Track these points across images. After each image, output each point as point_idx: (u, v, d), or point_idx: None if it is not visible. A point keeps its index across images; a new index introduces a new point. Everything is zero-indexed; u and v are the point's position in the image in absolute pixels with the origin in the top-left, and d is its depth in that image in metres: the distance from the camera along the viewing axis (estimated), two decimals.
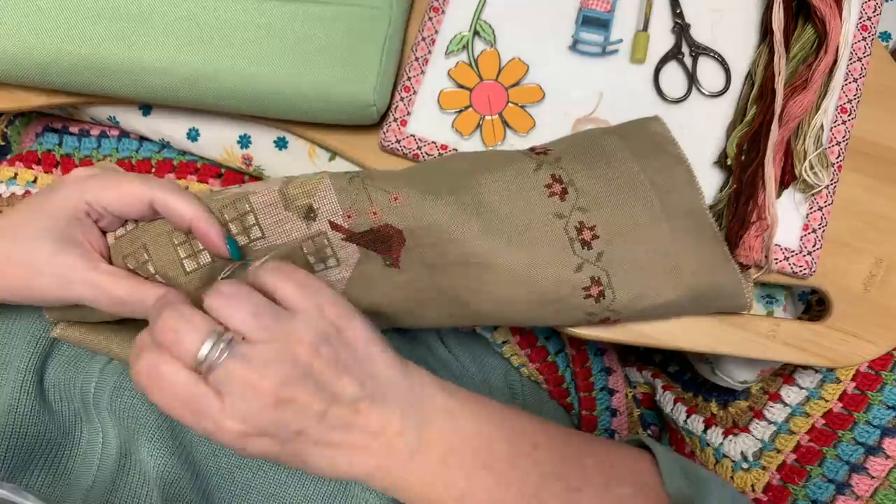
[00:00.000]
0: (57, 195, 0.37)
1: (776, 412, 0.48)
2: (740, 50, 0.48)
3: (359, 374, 0.33)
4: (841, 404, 0.46)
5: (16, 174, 0.54)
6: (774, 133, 0.44)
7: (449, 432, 0.34)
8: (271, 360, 0.31)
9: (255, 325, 0.31)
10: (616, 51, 0.48)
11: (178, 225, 0.37)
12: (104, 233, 0.39)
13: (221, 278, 0.38)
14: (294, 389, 0.31)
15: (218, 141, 0.51)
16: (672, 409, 0.55)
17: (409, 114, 0.47)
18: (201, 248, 0.38)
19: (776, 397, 0.49)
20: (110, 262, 0.38)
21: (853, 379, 0.46)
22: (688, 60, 0.48)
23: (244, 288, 0.33)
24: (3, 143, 0.61)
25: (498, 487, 0.34)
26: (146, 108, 0.51)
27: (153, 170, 0.53)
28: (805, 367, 0.48)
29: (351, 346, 0.33)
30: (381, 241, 0.40)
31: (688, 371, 0.58)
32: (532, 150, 0.43)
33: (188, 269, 0.38)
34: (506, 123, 0.47)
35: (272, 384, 0.30)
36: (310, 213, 0.39)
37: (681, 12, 0.49)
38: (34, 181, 0.54)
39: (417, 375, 0.35)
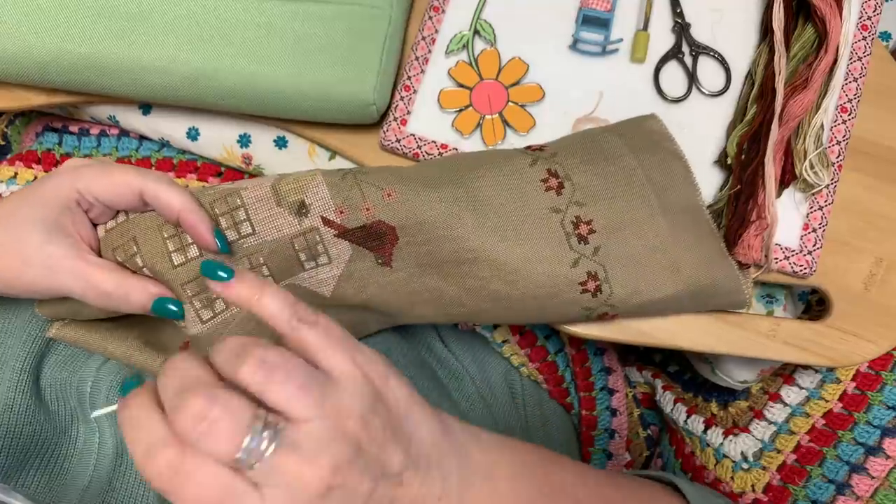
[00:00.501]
0: (48, 184, 0.37)
1: (776, 412, 0.48)
2: (740, 49, 0.48)
3: (403, 441, 0.29)
4: (841, 404, 0.46)
5: (16, 173, 0.54)
6: (774, 132, 0.44)
7: (487, 493, 0.31)
8: (323, 444, 0.26)
9: (304, 402, 0.26)
10: (616, 50, 0.48)
11: (167, 216, 0.37)
12: (95, 225, 0.39)
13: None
14: (345, 475, 0.26)
15: (218, 140, 0.51)
16: (672, 409, 0.55)
17: (409, 113, 0.47)
18: (190, 241, 0.38)
19: (776, 397, 0.49)
20: (100, 255, 0.38)
21: (853, 379, 0.46)
22: (688, 60, 0.48)
23: (287, 354, 0.27)
24: (3, 143, 0.61)
25: None
26: (146, 108, 0.51)
27: (153, 168, 0.53)
28: (805, 367, 0.48)
29: (393, 411, 0.29)
30: (374, 238, 0.40)
31: (688, 371, 0.58)
32: (528, 147, 0.43)
33: (176, 263, 0.37)
34: (506, 123, 0.47)
35: (324, 473, 0.25)
36: (301, 209, 0.39)
37: (681, 12, 0.49)
38: (34, 180, 0.54)
39: (455, 431, 0.32)
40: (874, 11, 0.48)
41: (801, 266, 0.45)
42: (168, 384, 0.26)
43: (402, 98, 0.47)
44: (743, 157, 0.45)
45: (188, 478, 0.24)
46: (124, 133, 0.54)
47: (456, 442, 0.31)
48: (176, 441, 0.25)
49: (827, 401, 0.47)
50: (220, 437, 0.25)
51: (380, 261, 0.40)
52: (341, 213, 0.39)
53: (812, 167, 0.45)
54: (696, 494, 0.38)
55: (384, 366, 0.30)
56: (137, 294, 0.37)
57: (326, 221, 0.39)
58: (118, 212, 0.39)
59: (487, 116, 0.47)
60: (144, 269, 0.38)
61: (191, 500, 0.25)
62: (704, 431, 0.51)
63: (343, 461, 0.26)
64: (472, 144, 0.47)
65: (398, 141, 0.46)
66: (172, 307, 0.37)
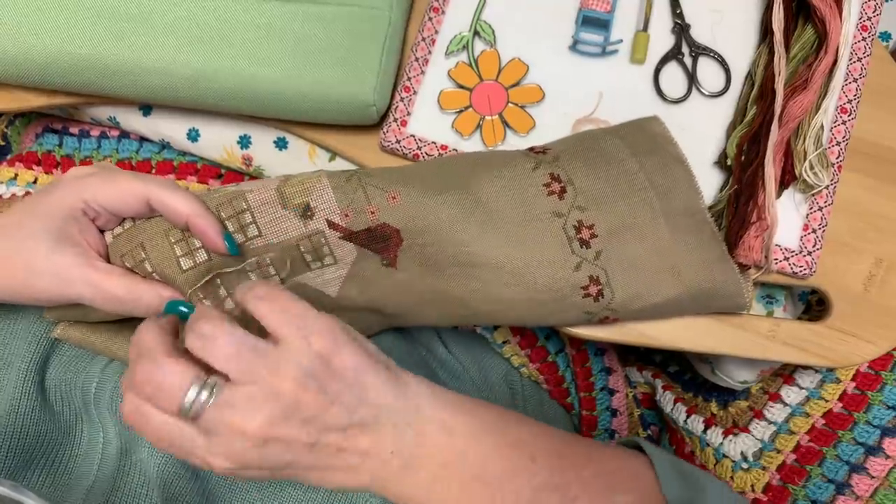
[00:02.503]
0: (54, 194, 0.37)
1: (776, 412, 0.48)
2: (740, 50, 0.48)
3: (348, 403, 0.32)
4: (841, 404, 0.46)
5: (16, 175, 0.54)
6: (774, 133, 0.44)
7: (443, 447, 0.34)
8: (255, 402, 0.31)
9: (237, 365, 0.31)
10: (616, 51, 0.48)
11: (175, 222, 0.37)
12: (102, 232, 0.39)
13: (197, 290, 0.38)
14: (279, 429, 0.31)
15: (218, 141, 0.51)
16: (672, 409, 0.55)
17: (409, 114, 0.47)
18: (198, 245, 0.38)
19: (776, 397, 0.49)
20: (108, 261, 0.38)
21: (853, 379, 0.46)
22: (688, 60, 0.48)
23: (222, 325, 0.32)
24: (3, 144, 0.61)
25: (492, 500, 0.34)
26: (146, 109, 0.51)
27: (153, 170, 0.53)
28: (805, 367, 0.48)
29: (339, 375, 0.32)
30: (379, 240, 0.40)
31: (688, 371, 0.58)
32: (531, 149, 0.43)
33: (185, 267, 0.38)
34: (506, 124, 0.47)
35: (257, 426, 0.30)
36: (307, 212, 0.39)
37: (681, 12, 0.49)
38: (34, 182, 0.54)
39: (413, 390, 0.35)
40: (874, 12, 0.48)
41: (800, 267, 0.45)
42: (132, 349, 0.33)
43: (401, 99, 0.47)
44: (743, 158, 0.45)
45: (146, 421, 0.31)
46: (124, 134, 0.54)
47: (411, 402, 0.34)
48: (135, 390, 0.31)
49: (827, 401, 0.47)
50: (164, 395, 0.31)
51: (385, 262, 0.40)
52: (346, 216, 0.39)
53: (812, 168, 0.45)
54: (658, 453, 0.39)
55: (334, 335, 0.33)
56: (149, 298, 0.37)
57: (332, 224, 0.39)
58: (125, 218, 0.39)
59: (487, 117, 0.47)
60: (154, 275, 0.38)
61: (150, 437, 0.31)
62: (704, 431, 0.51)
63: (275, 418, 0.31)
64: (472, 145, 0.47)
65: (398, 142, 0.46)
66: (184, 309, 0.38)
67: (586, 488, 0.36)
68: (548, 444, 0.37)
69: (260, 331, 0.33)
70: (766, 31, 0.48)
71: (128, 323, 0.42)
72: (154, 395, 0.31)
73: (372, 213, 0.39)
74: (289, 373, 0.31)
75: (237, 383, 0.31)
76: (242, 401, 0.31)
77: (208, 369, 0.32)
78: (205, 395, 0.31)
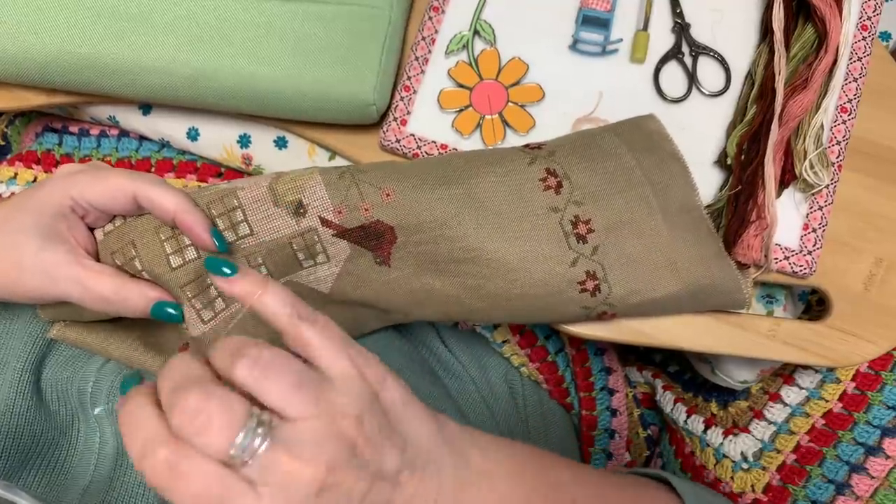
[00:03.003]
0: (42, 191, 0.37)
1: (776, 412, 0.48)
2: (740, 49, 0.48)
3: (399, 442, 0.29)
4: (841, 404, 0.46)
5: (16, 174, 0.54)
6: (774, 132, 0.44)
7: (486, 492, 0.31)
8: (317, 443, 0.26)
9: (298, 400, 0.26)
10: (616, 50, 0.48)
11: (163, 218, 0.37)
12: (92, 230, 0.39)
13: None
14: (340, 474, 0.26)
15: (218, 140, 0.51)
16: (672, 409, 0.55)
17: (409, 113, 0.47)
18: (187, 243, 0.38)
19: (776, 397, 0.49)
20: (97, 259, 0.38)
21: (853, 379, 0.46)
22: (688, 60, 0.48)
23: (282, 353, 0.27)
24: (3, 143, 0.61)
25: None
26: (146, 108, 0.51)
27: (153, 169, 0.53)
28: (805, 367, 0.48)
29: (389, 412, 0.29)
30: (373, 238, 0.40)
31: (688, 371, 0.58)
32: (527, 145, 0.43)
33: (174, 265, 0.37)
34: (506, 123, 0.47)
35: (318, 472, 0.25)
36: (299, 209, 0.39)
37: (681, 12, 0.49)
38: (34, 181, 0.54)
39: (451, 431, 0.32)
40: (874, 11, 0.48)
41: (800, 266, 0.45)
42: (166, 382, 0.27)
43: (401, 98, 0.47)
44: (743, 157, 0.45)
45: (184, 475, 0.25)
46: (124, 133, 0.54)
47: (452, 442, 0.31)
48: (172, 439, 0.25)
49: (827, 401, 0.47)
50: (215, 432, 0.25)
51: (378, 260, 0.40)
52: (339, 213, 0.39)
53: (812, 167, 0.45)
54: (691, 492, 0.38)
55: (381, 366, 0.30)
56: (136, 299, 0.37)
57: (325, 221, 0.39)
58: (115, 216, 0.39)
59: (487, 116, 0.47)
60: (143, 273, 0.38)
61: (187, 498, 0.25)
62: (704, 431, 0.51)
63: (337, 460, 0.26)
64: (472, 144, 0.47)
65: (398, 141, 0.46)
66: (171, 311, 0.37)
67: None
68: (587, 488, 0.35)
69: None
70: (766, 31, 0.48)
71: (123, 323, 0.41)
72: (200, 431, 0.25)
73: (366, 209, 0.39)
74: (349, 410, 0.27)
75: (293, 420, 0.26)
76: (303, 442, 0.26)
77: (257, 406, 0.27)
78: (261, 433, 0.25)
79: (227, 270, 0.30)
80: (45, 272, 0.35)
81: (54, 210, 0.36)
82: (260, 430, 0.25)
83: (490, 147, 0.47)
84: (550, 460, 0.35)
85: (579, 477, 0.36)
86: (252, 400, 0.26)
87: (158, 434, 0.25)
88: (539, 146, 0.43)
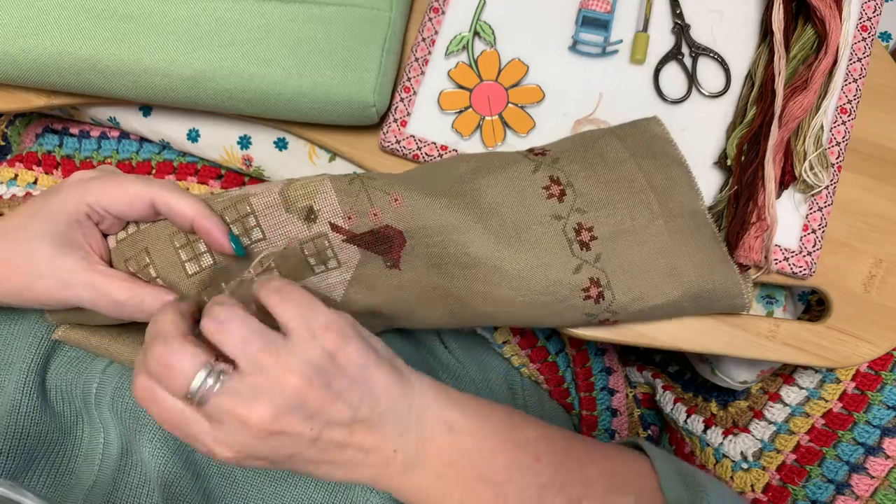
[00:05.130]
0: (57, 197, 0.37)
1: (776, 412, 0.48)
2: (740, 50, 0.48)
3: (352, 400, 0.32)
4: (841, 404, 0.46)
5: (16, 175, 0.54)
6: (774, 133, 0.44)
7: (447, 446, 0.34)
8: (260, 394, 0.31)
9: (246, 353, 0.31)
10: (616, 51, 0.48)
11: (181, 224, 0.37)
12: (105, 236, 0.39)
13: (226, 292, 0.38)
14: (283, 422, 0.31)
15: (218, 142, 0.51)
16: (672, 409, 0.55)
17: (408, 114, 0.47)
18: (203, 250, 0.38)
19: (776, 397, 0.49)
20: (111, 266, 0.38)
21: (853, 379, 0.46)
22: (688, 61, 0.48)
23: (238, 313, 0.32)
24: (3, 144, 0.61)
25: (496, 500, 0.34)
26: (146, 109, 0.51)
27: (153, 171, 0.53)
28: (805, 367, 0.48)
29: (343, 371, 0.33)
30: (382, 242, 0.40)
31: (688, 371, 0.58)
32: (531, 150, 0.43)
33: (190, 272, 0.38)
34: (506, 124, 0.47)
35: (261, 418, 0.30)
36: (310, 215, 0.39)
37: (681, 13, 0.49)
38: (35, 182, 0.54)
39: (418, 389, 0.35)
40: (874, 12, 0.48)
41: (800, 267, 0.45)
42: (148, 330, 0.33)
43: (401, 99, 0.47)
44: (743, 158, 0.45)
45: (156, 402, 0.32)
46: (125, 135, 0.54)
47: (416, 400, 0.35)
48: (146, 370, 0.32)
49: (827, 401, 0.47)
50: (174, 376, 0.31)
51: (388, 263, 0.41)
52: (349, 218, 0.39)
53: (812, 168, 0.45)
54: (659, 455, 0.39)
55: (341, 331, 0.33)
56: (151, 302, 0.37)
57: (335, 227, 0.39)
58: (128, 222, 0.39)
59: (487, 118, 0.47)
60: (158, 280, 0.38)
61: (159, 419, 0.32)
62: (704, 431, 0.51)
63: (280, 411, 0.31)
64: (472, 146, 0.47)
65: (398, 142, 0.47)
66: None
67: (590, 488, 0.36)
68: (552, 444, 0.37)
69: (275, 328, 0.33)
70: (766, 32, 0.48)
71: (127, 326, 0.42)
72: (163, 376, 0.31)
73: (375, 215, 0.39)
74: (295, 366, 0.31)
75: (245, 373, 0.31)
76: (248, 391, 0.31)
77: (221, 358, 0.32)
78: (211, 381, 0.31)
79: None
80: (60, 278, 0.36)
81: (69, 217, 0.36)
82: (210, 380, 0.31)
83: (491, 149, 0.47)
84: (520, 419, 0.38)
85: (546, 435, 0.37)
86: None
87: (142, 364, 0.32)
88: (543, 152, 0.43)
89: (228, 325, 0.32)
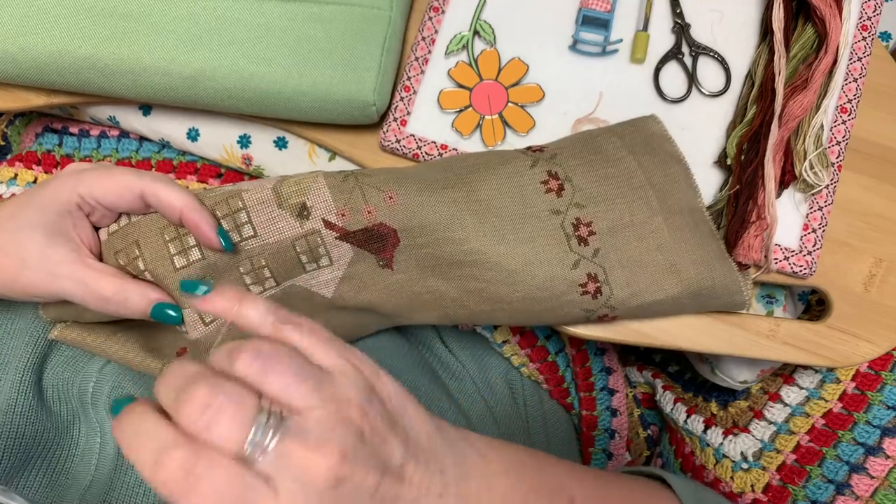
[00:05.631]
0: (49, 188, 0.37)
1: (776, 412, 0.48)
2: (740, 50, 0.48)
3: (401, 433, 0.28)
4: (841, 404, 0.46)
5: (16, 174, 0.54)
6: (774, 133, 0.44)
7: (486, 490, 0.31)
8: (328, 432, 0.25)
9: (303, 390, 0.25)
10: (616, 51, 0.48)
11: (169, 216, 0.37)
12: (97, 229, 0.39)
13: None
14: (352, 465, 0.25)
15: (218, 141, 0.51)
16: (672, 409, 0.55)
17: (408, 113, 0.47)
18: (192, 244, 0.38)
19: (776, 397, 0.49)
20: (101, 259, 0.38)
21: (853, 379, 0.46)
22: (688, 60, 0.48)
23: (281, 348, 0.27)
24: (3, 143, 0.61)
25: None
26: (146, 108, 0.51)
27: (153, 170, 0.53)
28: (805, 367, 0.48)
29: (387, 404, 0.29)
30: (375, 240, 0.40)
31: (688, 371, 0.58)
32: (529, 148, 0.43)
33: (178, 266, 0.37)
34: (506, 123, 0.47)
35: (332, 461, 0.25)
36: (303, 212, 0.39)
37: (681, 12, 0.49)
38: (34, 181, 0.54)
39: (447, 429, 0.32)
40: (874, 12, 0.48)
41: (800, 266, 0.45)
42: (169, 384, 0.26)
43: (401, 98, 0.47)
44: (743, 157, 0.45)
45: (201, 477, 0.23)
46: (124, 134, 0.54)
47: (450, 439, 0.31)
48: (185, 440, 0.24)
49: (827, 401, 0.47)
50: (227, 423, 0.24)
51: (381, 263, 0.40)
52: (343, 215, 0.39)
53: (812, 167, 0.45)
54: (686, 489, 0.38)
55: (372, 362, 0.30)
56: (136, 299, 0.37)
57: (328, 224, 0.39)
58: (120, 215, 0.39)
59: (487, 117, 0.47)
60: (146, 273, 0.38)
61: (207, 501, 0.23)
62: (704, 431, 0.51)
63: (349, 448, 0.25)
64: (472, 145, 0.47)
65: (398, 141, 0.46)
66: (171, 312, 0.37)
67: None
68: (586, 486, 0.35)
69: None
70: (766, 31, 0.48)
71: (123, 325, 0.41)
72: (212, 425, 0.24)
73: (369, 212, 0.39)
74: (353, 398, 0.27)
75: (302, 410, 0.25)
76: (315, 430, 0.25)
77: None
78: (272, 423, 0.24)
79: (203, 288, 0.30)
80: (48, 269, 0.35)
81: (60, 207, 0.36)
82: (271, 421, 0.24)
83: (491, 148, 0.47)
84: (548, 461, 0.35)
85: (577, 476, 0.36)
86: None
87: (169, 438, 0.24)
88: (541, 149, 0.43)
89: (278, 360, 0.26)
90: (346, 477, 0.25)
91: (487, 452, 0.32)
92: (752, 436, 0.48)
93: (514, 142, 0.47)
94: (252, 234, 0.38)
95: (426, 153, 0.46)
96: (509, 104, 0.47)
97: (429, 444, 0.29)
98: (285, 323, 0.28)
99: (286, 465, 0.24)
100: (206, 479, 0.23)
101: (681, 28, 0.49)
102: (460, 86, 0.47)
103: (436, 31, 0.48)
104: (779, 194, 0.46)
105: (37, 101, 0.49)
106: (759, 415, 0.49)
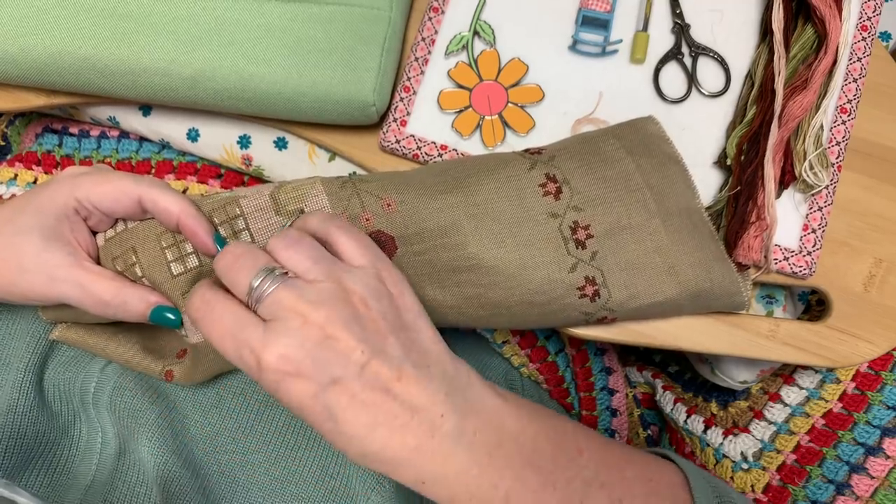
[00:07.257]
0: (46, 192, 0.37)
1: (776, 412, 0.48)
2: (740, 50, 0.48)
3: (405, 340, 0.31)
4: (841, 404, 0.46)
5: (16, 175, 0.54)
6: (774, 133, 0.44)
7: (494, 426, 0.31)
8: (323, 297, 0.30)
9: (311, 265, 0.31)
10: (616, 51, 0.48)
11: (166, 222, 0.37)
12: (94, 234, 0.39)
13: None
14: (340, 329, 0.29)
15: (218, 141, 0.51)
16: (672, 409, 0.55)
17: (408, 114, 0.47)
18: (189, 251, 0.38)
19: (776, 397, 0.49)
20: (98, 264, 0.38)
21: (853, 379, 0.46)
22: (687, 60, 0.48)
23: (308, 237, 0.33)
24: (3, 144, 0.61)
25: (544, 489, 0.31)
26: (146, 109, 0.51)
27: (153, 171, 0.53)
28: (805, 367, 0.48)
29: (401, 312, 0.32)
30: None
31: (688, 371, 0.58)
32: (526, 150, 0.43)
33: (175, 273, 0.37)
34: (505, 123, 0.47)
35: (319, 317, 0.29)
36: None
37: (681, 12, 0.49)
38: (34, 182, 0.54)
39: (464, 366, 0.33)
40: (874, 12, 0.48)
41: (800, 267, 0.45)
42: (226, 249, 0.34)
43: (401, 99, 0.47)
44: (742, 157, 0.45)
45: (211, 308, 0.31)
46: (124, 135, 0.54)
47: (463, 371, 0.33)
48: (212, 282, 0.33)
49: (827, 401, 0.47)
50: (241, 269, 0.31)
51: None
52: None
53: (812, 168, 0.45)
54: (690, 466, 0.38)
55: (402, 279, 0.34)
56: (135, 303, 0.37)
57: None
58: (117, 220, 0.39)
59: (487, 117, 0.47)
60: (144, 279, 0.38)
61: (210, 326, 0.31)
62: (704, 431, 0.51)
63: (339, 317, 0.30)
64: (472, 145, 0.47)
65: (398, 142, 0.46)
66: (170, 316, 0.38)
67: (629, 489, 0.34)
68: (592, 440, 0.35)
69: None
70: (765, 31, 0.48)
71: (124, 327, 0.42)
72: (231, 268, 0.32)
73: (367, 220, 0.39)
74: (358, 289, 0.31)
75: (311, 280, 0.31)
76: (310, 292, 0.30)
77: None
78: (276, 276, 0.31)
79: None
80: (46, 273, 0.36)
81: (58, 211, 0.36)
82: (277, 273, 0.31)
83: (490, 149, 0.47)
84: (550, 411, 0.36)
85: (584, 430, 0.36)
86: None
87: (205, 281, 0.33)
88: (539, 151, 0.43)
89: (298, 244, 0.32)
90: (331, 336, 0.29)
91: (499, 396, 0.34)
92: (752, 436, 0.48)
93: (513, 142, 0.47)
94: (249, 240, 0.38)
95: (426, 153, 0.46)
96: (509, 104, 0.47)
97: (437, 364, 0.32)
98: (331, 222, 0.35)
99: (278, 308, 0.30)
100: (215, 309, 0.31)
101: (680, 28, 0.49)
102: (460, 86, 0.47)
103: (436, 32, 0.48)
104: (778, 195, 0.46)
105: (37, 101, 0.49)
106: (759, 415, 0.49)
